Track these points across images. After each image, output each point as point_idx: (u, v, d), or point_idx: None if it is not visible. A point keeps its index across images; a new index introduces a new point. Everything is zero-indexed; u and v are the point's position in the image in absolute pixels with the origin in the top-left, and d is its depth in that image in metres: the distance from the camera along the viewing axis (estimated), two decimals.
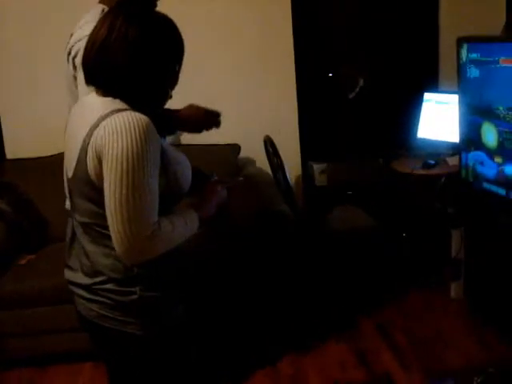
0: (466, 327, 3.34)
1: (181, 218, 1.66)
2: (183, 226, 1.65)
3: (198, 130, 2.48)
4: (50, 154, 3.72)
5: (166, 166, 1.62)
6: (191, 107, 2.44)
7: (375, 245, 3.78)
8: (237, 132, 3.73)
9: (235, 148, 3.96)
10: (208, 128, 2.45)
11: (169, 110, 2.25)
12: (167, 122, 2.35)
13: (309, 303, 3.58)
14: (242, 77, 4.08)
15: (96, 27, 1.62)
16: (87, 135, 1.57)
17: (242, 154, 3.99)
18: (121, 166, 1.50)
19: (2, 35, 3.91)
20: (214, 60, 4.02)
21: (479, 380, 2.78)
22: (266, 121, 4.08)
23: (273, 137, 3.57)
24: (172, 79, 1.71)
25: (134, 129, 1.51)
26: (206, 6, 3.95)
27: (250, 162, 4.08)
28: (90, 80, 1.66)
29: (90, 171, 1.57)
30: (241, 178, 1.97)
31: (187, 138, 3.67)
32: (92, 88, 1.67)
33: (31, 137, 3.99)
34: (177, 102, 2.20)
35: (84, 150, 1.57)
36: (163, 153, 1.60)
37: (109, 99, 1.62)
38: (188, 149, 2.59)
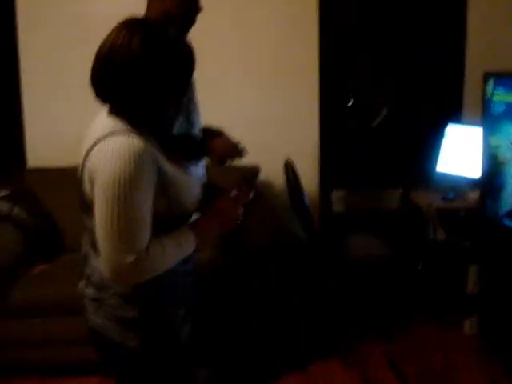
0: (477, 363, 3.28)
1: (173, 240, 1.61)
2: (176, 248, 1.62)
3: (222, 163, 2.45)
4: (71, 165, 3.71)
5: (165, 188, 1.59)
6: (224, 139, 2.41)
7: (389, 274, 3.74)
8: (257, 155, 3.72)
9: (254, 170, 3.95)
10: (231, 159, 2.43)
11: (206, 135, 2.22)
12: (197, 149, 2.33)
13: (319, 327, 3.55)
14: (266, 100, 4.10)
15: (103, 40, 1.58)
16: (84, 157, 1.58)
17: (262, 176, 3.99)
18: (106, 193, 1.49)
19: (30, 46, 3.97)
20: (238, 82, 4.06)
21: None
22: (288, 145, 4.08)
23: (293, 161, 3.56)
24: (175, 96, 1.65)
25: (124, 155, 1.48)
26: (230, 26, 4.02)
27: (269, 185, 4.08)
28: (97, 95, 1.61)
29: (86, 192, 1.59)
30: (252, 191, 1.89)
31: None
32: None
33: (54, 146, 4.03)
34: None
35: (81, 171, 1.59)
36: (162, 174, 1.57)
37: (112, 119, 1.59)
38: (206, 169, 2.58)
